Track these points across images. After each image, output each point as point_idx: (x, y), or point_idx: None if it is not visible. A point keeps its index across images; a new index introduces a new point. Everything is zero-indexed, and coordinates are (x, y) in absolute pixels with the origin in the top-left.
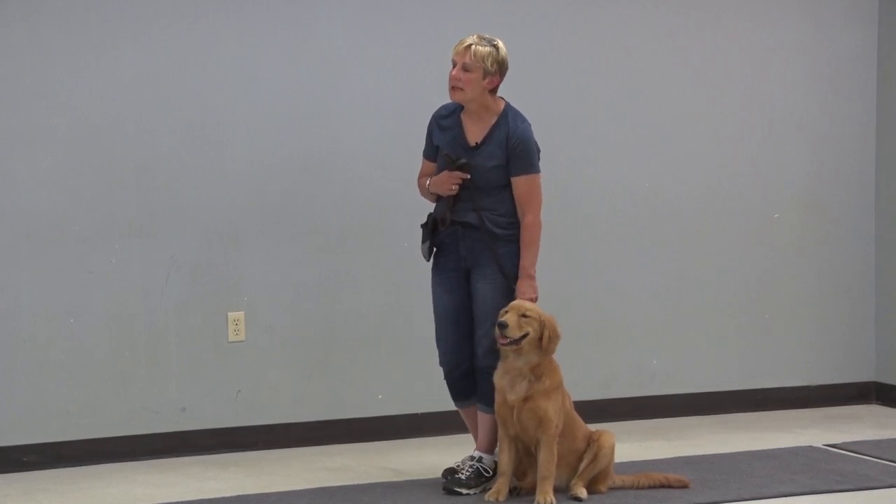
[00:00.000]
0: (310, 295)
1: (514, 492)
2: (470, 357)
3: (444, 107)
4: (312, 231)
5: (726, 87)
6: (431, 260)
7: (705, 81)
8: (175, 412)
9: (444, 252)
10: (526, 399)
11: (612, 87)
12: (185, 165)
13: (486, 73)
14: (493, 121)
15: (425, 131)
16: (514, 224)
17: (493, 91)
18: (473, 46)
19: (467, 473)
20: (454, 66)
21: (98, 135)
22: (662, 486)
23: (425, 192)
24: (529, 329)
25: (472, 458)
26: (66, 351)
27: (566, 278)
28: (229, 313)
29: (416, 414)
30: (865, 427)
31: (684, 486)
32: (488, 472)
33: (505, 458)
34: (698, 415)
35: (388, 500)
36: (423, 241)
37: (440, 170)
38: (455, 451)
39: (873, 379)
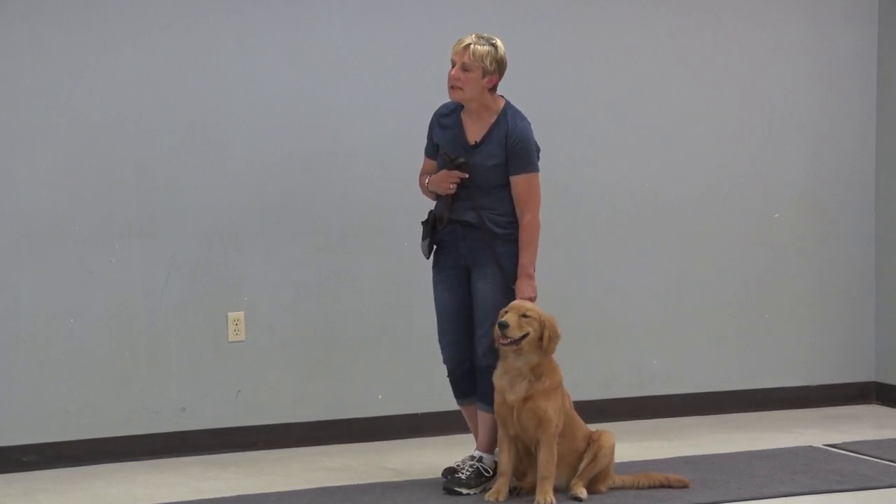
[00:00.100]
0: (310, 295)
1: (514, 492)
2: (472, 355)
3: (444, 105)
4: (312, 231)
5: (726, 87)
6: (432, 258)
7: (705, 81)
8: (175, 412)
9: (444, 250)
10: (526, 399)
11: (612, 87)
12: (185, 165)
13: (485, 72)
14: (493, 119)
15: (426, 131)
16: (513, 223)
17: (493, 90)
18: (472, 46)
19: (467, 473)
20: (453, 66)
21: (98, 135)
22: (662, 486)
23: (425, 190)
24: (530, 329)
25: (472, 457)
26: (66, 351)
27: (566, 278)
28: (229, 313)
29: (416, 414)
30: (865, 427)
31: (684, 486)
32: (488, 472)
33: (505, 458)
34: (698, 415)
35: (388, 500)
36: (423, 239)
37: (439, 169)
38: (455, 451)
39: (873, 379)
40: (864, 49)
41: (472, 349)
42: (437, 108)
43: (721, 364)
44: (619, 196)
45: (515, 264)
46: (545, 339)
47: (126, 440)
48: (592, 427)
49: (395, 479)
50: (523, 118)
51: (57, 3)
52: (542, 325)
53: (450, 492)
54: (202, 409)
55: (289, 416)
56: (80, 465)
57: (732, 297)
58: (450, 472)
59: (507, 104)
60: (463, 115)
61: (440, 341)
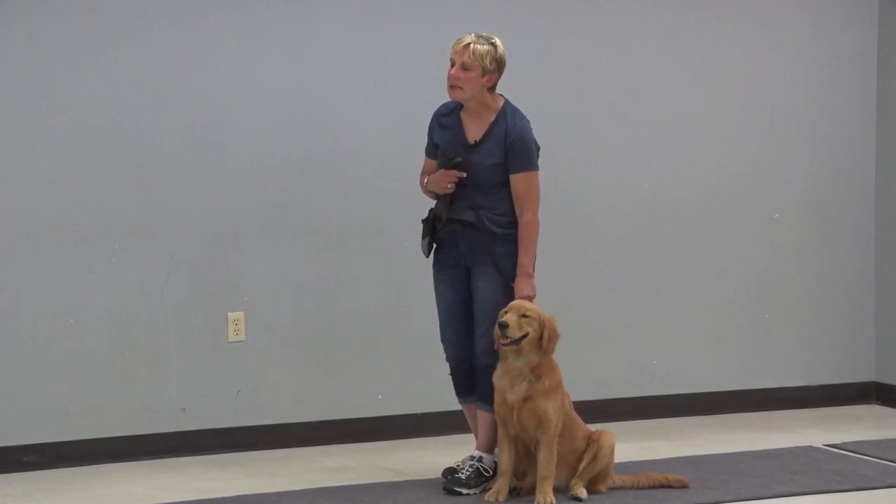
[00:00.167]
0: (310, 295)
1: (514, 492)
2: (473, 353)
3: (445, 105)
4: (312, 231)
5: (726, 87)
6: (432, 257)
7: (705, 81)
8: (175, 412)
9: (444, 249)
10: (526, 399)
11: (612, 87)
12: (185, 165)
13: (484, 72)
14: (492, 119)
15: (426, 131)
16: (513, 223)
17: (492, 89)
18: (472, 45)
19: (467, 473)
20: (453, 65)
21: (98, 135)
22: (662, 486)
23: (425, 190)
24: (529, 329)
25: (472, 457)
26: (66, 351)
27: (566, 278)
28: (229, 313)
29: (416, 414)
30: (865, 427)
31: (684, 486)
32: (488, 472)
33: (505, 458)
34: (698, 415)
35: (388, 500)
36: (423, 237)
37: (438, 168)
38: (455, 451)
39: (873, 379)
40: (864, 49)
41: (473, 348)
42: (437, 107)
43: (721, 364)
44: (619, 196)
45: (515, 264)
46: (545, 339)
47: (126, 440)
48: (592, 427)
49: (395, 479)
50: (522, 117)
51: (57, 3)
52: (542, 324)
53: (450, 492)
54: (202, 409)
55: (289, 416)
56: (80, 465)
57: (732, 297)
58: (450, 472)
59: (507, 103)
60: (462, 115)
61: (442, 339)
